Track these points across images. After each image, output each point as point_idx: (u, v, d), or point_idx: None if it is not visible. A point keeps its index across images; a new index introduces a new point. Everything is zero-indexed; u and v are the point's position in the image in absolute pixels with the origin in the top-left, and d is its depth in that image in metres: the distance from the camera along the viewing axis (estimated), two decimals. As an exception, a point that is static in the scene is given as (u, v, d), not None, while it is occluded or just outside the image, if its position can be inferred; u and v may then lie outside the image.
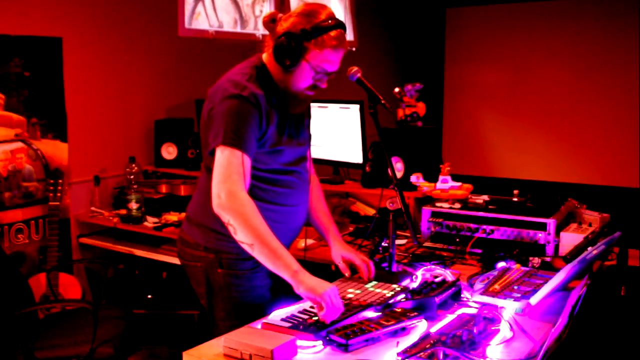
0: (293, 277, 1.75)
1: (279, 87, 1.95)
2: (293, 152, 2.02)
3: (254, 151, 1.87)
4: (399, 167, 3.05)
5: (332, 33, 1.87)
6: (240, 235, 1.79)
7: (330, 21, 1.87)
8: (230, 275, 1.99)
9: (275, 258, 1.78)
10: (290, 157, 2.01)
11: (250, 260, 1.93)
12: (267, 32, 1.98)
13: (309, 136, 2.17)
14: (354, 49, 5.79)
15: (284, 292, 1.97)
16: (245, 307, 2.00)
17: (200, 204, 2.03)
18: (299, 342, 1.60)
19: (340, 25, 1.90)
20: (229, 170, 1.81)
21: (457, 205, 2.66)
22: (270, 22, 1.93)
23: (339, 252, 2.14)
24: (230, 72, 1.97)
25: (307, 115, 2.16)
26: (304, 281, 1.74)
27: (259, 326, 1.72)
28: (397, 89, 3.18)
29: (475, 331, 1.59)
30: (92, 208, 3.62)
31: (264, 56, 1.99)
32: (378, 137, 2.17)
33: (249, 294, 2.01)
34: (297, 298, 1.85)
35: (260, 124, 1.87)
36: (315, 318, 1.71)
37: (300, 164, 2.06)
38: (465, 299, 1.93)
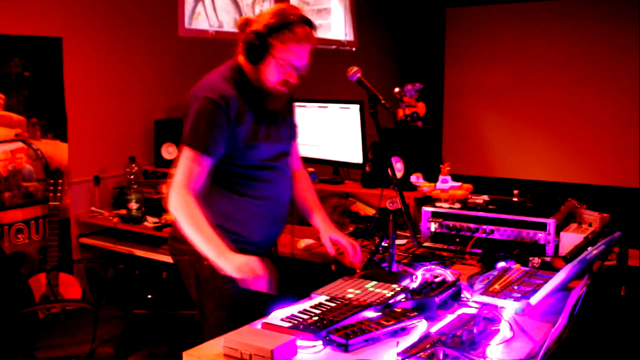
0: (216, 257, 1.92)
1: (254, 86, 2.03)
2: (270, 148, 2.09)
3: (218, 151, 1.99)
4: (399, 167, 3.05)
5: (295, 28, 1.96)
6: (182, 228, 1.97)
7: (293, 17, 1.97)
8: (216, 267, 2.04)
9: (205, 242, 1.94)
10: (268, 153, 2.08)
11: (234, 251, 2.02)
12: None
13: (294, 133, 2.25)
14: (354, 49, 5.79)
15: (282, 292, 1.99)
16: (233, 297, 2.07)
17: None
18: (299, 342, 1.60)
19: (305, 21, 1.99)
20: (183, 172, 1.96)
21: (457, 205, 2.66)
22: (244, 25, 2.04)
23: (327, 232, 2.24)
24: (208, 74, 2.07)
25: (289, 112, 2.23)
26: (223, 260, 1.91)
27: (259, 326, 1.72)
28: (397, 89, 3.18)
29: (475, 331, 1.59)
30: (92, 208, 3.62)
31: (240, 58, 2.07)
32: (378, 137, 2.18)
33: (235, 284, 2.02)
34: (295, 297, 1.87)
35: (228, 123, 1.97)
36: (316, 318, 1.72)
37: (279, 160, 2.13)
38: (465, 299, 1.93)
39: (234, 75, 2.03)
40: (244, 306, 2.02)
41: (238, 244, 2.04)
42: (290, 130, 2.21)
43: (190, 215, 1.95)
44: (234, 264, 1.91)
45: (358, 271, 2.17)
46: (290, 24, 1.96)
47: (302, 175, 2.36)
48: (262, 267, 1.91)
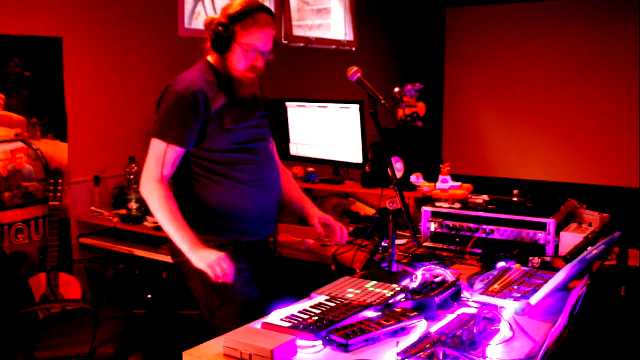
0: (189, 253, 2.04)
1: (222, 76, 2.15)
2: (246, 131, 2.17)
3: (189, 141, 2.09)
4: (399, 167, 3.05)
5: (256, 14, 2.08)
6: (155, 217, 2.09)
7: (253, 5, 2.09)
8: None
9: (175, 236, 2.06)
10: (244, 136, 2.16)
11: (230, 245, 2.12)
12: None
13: (267, 125, 2.31)
14: (353, 49, 5.79)
15: (283, 292, 2.01)
16: (237, 291, 2.11)
17: (178, 198, 2.18)
18: (299, 342, 1.60)
19: (263, 9, 2.11)
20: (151, 161, 2.09)
21: (457, 205, 2.66)
22: (209, 24, 2.14)
23: (316, 215, 2.36)
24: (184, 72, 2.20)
25: (262, 106, 2.31)
26: (195, 255, 2.03)
27: (259, 326, 1.72)
28: (397, 89, 3.18)
29: (475, 331, 1.59)
30: (92, 208, 3.62)
31: (209, 57, 2.21)
32: (378, 137, 2.18)
33: (238, 277, 2.09)
34: (295, 297, 1.87)
35: (197, 115, 2.08)
36: (316, 318, 1.72)
37: (257, 143, 2.21)
38: (465, 299, 1.93)
39: (203, 69, 2.17)
40: (248, 297, 2.08)
41: (233, 233, 2.12)
42: (262, 121, 2.28)
43: (162, 206, 2.05)
44: (206, 260, 2.01)
45: (356, 258, 2.21)
46: (251, 12, 2.08)
47: (283, 170, 2.43)
48: (229, 264, 2.02)
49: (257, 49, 2.10)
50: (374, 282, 2.04)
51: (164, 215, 2.06)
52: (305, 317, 1.74)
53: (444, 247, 2.59)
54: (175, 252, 2.16)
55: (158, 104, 2.18)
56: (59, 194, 3.25)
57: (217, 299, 2.13)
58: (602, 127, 6.48)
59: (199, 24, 4.34)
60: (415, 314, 1.74)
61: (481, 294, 1.89)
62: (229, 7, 2.12)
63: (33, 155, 3.30)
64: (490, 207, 2.63)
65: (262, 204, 2.21)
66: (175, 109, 2.08)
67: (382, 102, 2.10)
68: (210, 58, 2.21)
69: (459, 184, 2.74)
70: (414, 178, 2.82)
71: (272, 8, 4.70)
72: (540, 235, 2.44)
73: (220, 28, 2.09)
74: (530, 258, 2.25)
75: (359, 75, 2.12)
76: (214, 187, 2.14)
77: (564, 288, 1.97)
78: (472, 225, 2.56)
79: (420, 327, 1.70)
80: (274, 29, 2.14)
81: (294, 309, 1.81)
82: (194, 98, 2.07)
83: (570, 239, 2.38)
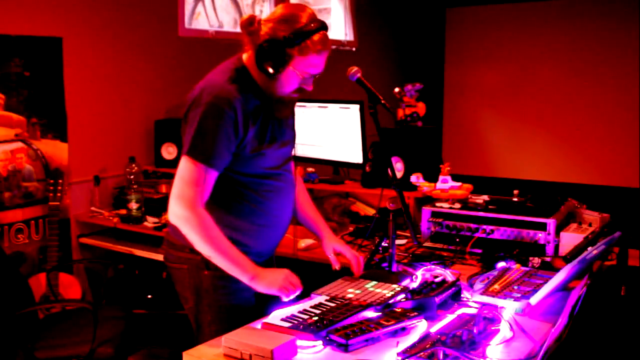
0: (251, 282, 1.86)
1: (262, 91, 1.91)
2: (277, 154, 1.98)
3: (223, 162, 1.85)
4: (399, 167, 3.05)
5: (315, 37, 1.82)
6: (198, 247, 1.86)
7: (312, 24, 1.83)
8: (217, 277, 1.95)
9: (233, 266, 1.86)
10: (274, 160, 1.98)
11: None
12: None
13: (294, 136, 2.14)
14: (354, 49, 5.79)
15: (273, 297, 1.93)
16: (231, 310, 1.97)
17: None
18: (299, 342, 1.60)
19: (323, 27, 1.86)
20: (188, 184, 1.82)
21: (457, 205, 2.66)
22: (248, 25, 1.86)
23: (331, 244, 2.18)
24: (210, 74, 1.92)
25: (292, 115, 2.12)
26: (260, 282, 1.86)
27: (259, 326, 1.72)
28: (397, 89, 3.18)
29: (475, 331, 1.59)
30: (92, 208, 3.62)
31: (244, 57, 1.94)
32: (378, 137, 2.17)
33: (235, 296, 1.97)
34: (295, 297, 1.86)
35: (236, 131, 1.83)
36: (316, 318, 1.72)
37: (284, 166, 2.03)
38: (465, 299, 1.93)
39: (239, 77, 1.89)
40: (241, 317, 1.91)
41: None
42: (293, 133, 2.12)
43: (210, 235, 1.83)
44: (276, 285, 1.86)
45: (354, 271, 2.14)
46: (310, 33, 1.81)
47: (298, 182, 2.25)
48: (295, 276, 1.90)
49: (311, 75, 1.89)
50: (374, 282, 2.04)
51: (215, 245, 1.83)
52: (305, 317, 1.74)
53: (444, 247, 2.59)
54: (170, 256, 2.05)
55: (186, 115, 1.87)
56: (59, 194, 3.25)
57: (209, 315, 1.99)
58: (602, 127, 6.48)
59: (199, 24, 4.35)
60: (415, 314, 1.74)
61: (481, 294, 1.89)
62: (280, 23, 1.82)
63: (33, 155, 3.30)
64: (490, 207, 2.63)
65: (276, 230, 2.06)
66: (212, 124, 1.79)
67: (382, 102, 2.10)
68: (245, 59, 1.93)
69: (459, 184, 2.74)
70: (414, 178, 2.82)
71: (272, 8, 4.71)
72: (540, 235, 2.44)
73: (273, 49, 1.80)
74: (530, 258, 2.25)
75: (359, 75, 2.12)
76: (231, 207, 1.95)
77: (564, 288, 1.97)
78: (472, 225, 2.56)
79: (420, 327, 1.70)
80: (330, 46, 1.89)
81: (294, 309, 1.81)
82: (233, 111, 1.81)
83: (570, 239, 2.38)
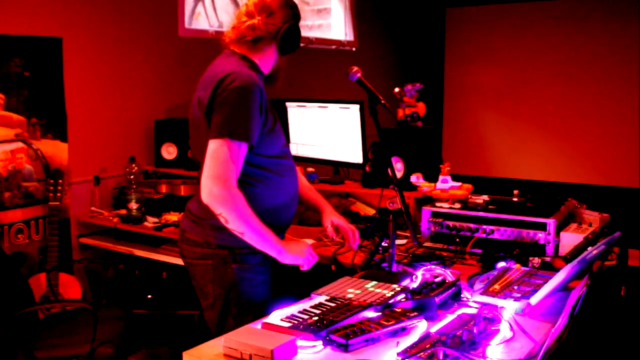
0: (279, 255, 1.99)
1: (264, 75, 2.12)
2: (281, 132, 2.12)
3: (256, 140, 1.96)
4: (399, 167, 3.05)
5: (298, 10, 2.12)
6: (233, 225, 1.92)
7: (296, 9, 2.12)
8: (244, 270, 2.03)
9: (263, 241, 1.97)
10: (282, 138, 2.12)
11: (259, 253, 2.02)
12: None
13: None
14: (353, 49, 5.78)
15: (282, 292, 1.99)
16: (255, 303, 2.05)
17: None
18: (299, 342, 1.60)
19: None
20: (224, 163, 1.89)
21: (457, 205, 2.66)
22: (250, 17, 2.06)
23: (330, 217, 2.31)
24: (223, 65, 2.01)
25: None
26: (288, 254, 1.99)
27: (259, 326, 1.72)
28: (397, 89, 3.18)
29: (475, 331, 1.59)
30: (92, 208, 3.62)
31: (240, 49, 2.09)
32: (378, 137, 2.18)
33: (258, 288, 2.06)
34: (295, 297, 1.88)
35: (261, 111, 1.96)
36: (316, 318, 1.72)
37: (288, 146, 2.19)
38: (465, 299, 1.93)
39: (250, 65, 2.06)
40: (262, 311, 1.97)
41: None
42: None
43: (245, 213, 1.92)
44: (301, 255, 2.02)
45: (356, 258, 2.20)
46: (298, 10, 2.11)
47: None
48: (313, 251, 2.07)
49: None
50: (374, 282, 2.04)
51: (249, 222, 1.91)
52: (305, 317, 1.74)
53: (444, 247, 2.59)
54: (192, 253, 2.08)
55: (211, 101, 1.93)
56: (59, 194, 3.25)
57: (235, 307, 2.04)
58: (602, 127, 6.48)
59: (199, 24, 4.34)
60: (415, 314, 1.74)
61: (481, 294, 1.89)
62: (284, 5, 2.09)
63: (33, 155, 3.30)
64: (490, 207, 2.63)
65: (293, 208, 2.17)
66: (244, 104, 1.90)
67: (382, 102, 2.10)
68: (242, 51, 2.09)
69: (459, 184, 2.74)
70: (414, 178, 2.82)
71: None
72: (540, 235, 2.44)
73: (291, 29, 2.08)
74: (530, 258, 2.25)
75: (359, 75, 2.12)
76: (258, 191, 2.03)
77: (564, 288, 1.97)
78: (472, 225, 2.56)
79: (420, 327, 1.70)
80: None
81: (294, 309, 1.81)
82: (259, 92, 1.94)
83: (570, 239, 2.38)
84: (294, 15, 2.10)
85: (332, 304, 1.84)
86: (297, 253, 2.02)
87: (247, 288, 2.04)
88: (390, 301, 1.87)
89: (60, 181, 3.27)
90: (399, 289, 1.98)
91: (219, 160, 1.88)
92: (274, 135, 2.04)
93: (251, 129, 1.91)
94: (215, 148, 1.89)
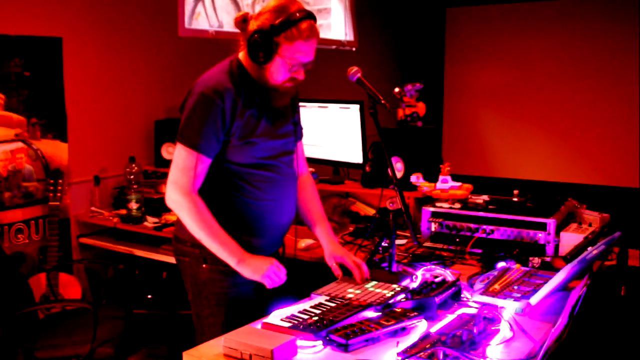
0: (237, 266, 1.93)
1: (257, 83, 1.98)
2: (270, 145, 2.02)
3: (211, 149, 1.94)
4: (399, 167, 3.05)
5: (302, 25, 1.89)
6: (189, 229, 1.95)
7: (298, 14, 1.90)
8: (214, 271, 2.01)
9: (221, 249, 1.93)
10: (267, 151, 2.02)
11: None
12: None
13: (299, 132, 2.19)
14: (353, 49, 5.79)
15: (273, 296, 1.97)
16: (229, 303, 2.03)
17: None
18: (299, 342, 1.60)
19: (309, 16, 1.93)
20: (182, 170, 1.94)
21: (457, 205, 2.66)
22: (242, 22, 1.96)
23: (332, 253, 2.15)
24: (208, 70, 2.02)
25: (294, 110, 2.16)
26: (246, 267, 1.93)
27: (259, 326, 1.72)
28: (397, 89, 3.18)
29: (475, 331, 1.59)
30: (92, 208, 3.62)
31: (240, 54, 2.02)
32: (378, 137, 2.17)
33: (233, 290, 2.03)
34: (295, 297, 1.87)
35: (224, 119, 1.92)
36: (316, 318, 1.72)
37: (280, 158, 2.06)
38: (465, 299, 1.93)
39: (233, 70, 1.98)
40: (239, 310, 1.99)
41: (242, 247, 1.99)
42: (293, 129, 2.14)
43: (202, 219, 1.92)
44: (259, 272, 1.92)
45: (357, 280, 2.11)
46: (297, 21, 1.88)
47: (307, 181, 2.28)
48: (281, 267, 1.96)
49: (300, 62, 1.93)
50: (374, 282, 2.04)
51: (203, 229, 1.91)
52: (305, 317, 1.74)
53: (444, 247, 2.59)
54: (176, 249, 2.11)
55: (182, 105, 1.99)
56: (59, 194, 3.25)
57: (208, 307, 2.04)
58: (602, 127, 6.48)
59: (199, 24, 4.34)
60: (415, 314, 1.74)
61: (481, 294, 1.89)
62: (269, 14, 1.90)
63: (33, 155, 3.30)
64: (490, 207, 2.63)
65: (275, 222, 2.08)
66: (200, 111, 1.90)
67: (382, 102, 2.10)
68: (241, 56, 2.01)
69: (459, 184, 2.74)
70: (414, 178, 2.82)
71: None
72: (540, 235, 2.44)
73: (261, 39, 1.88)
74: (530, 258, 2.25)
75: (359, 75, 2.12)
76: (227, 199, 2.01)
77: (564, 288, 1.97)
78: (472, 225, 2.56)
79: (420, 327, 1.70)
80: (318, 35, 1.96)
81: (294, 309, 1.81)
82: (220, 99, 1.89)
83: (570, 239, 2.38)
84: (280, 24, 1.88)
85: (332, 304, 1.84)
86: (255, 269, 1.92)
87: (220, 289, 2.02)
88: (390, 301, 1.87)
89: (60, 181, 3.27)
90: (399, 289, 1.98)
91: (177, 165, 1.95)
92: (249, 146, 1.97)
93: (202, 137, 1.90)
94: (176, 153, 1.97)
